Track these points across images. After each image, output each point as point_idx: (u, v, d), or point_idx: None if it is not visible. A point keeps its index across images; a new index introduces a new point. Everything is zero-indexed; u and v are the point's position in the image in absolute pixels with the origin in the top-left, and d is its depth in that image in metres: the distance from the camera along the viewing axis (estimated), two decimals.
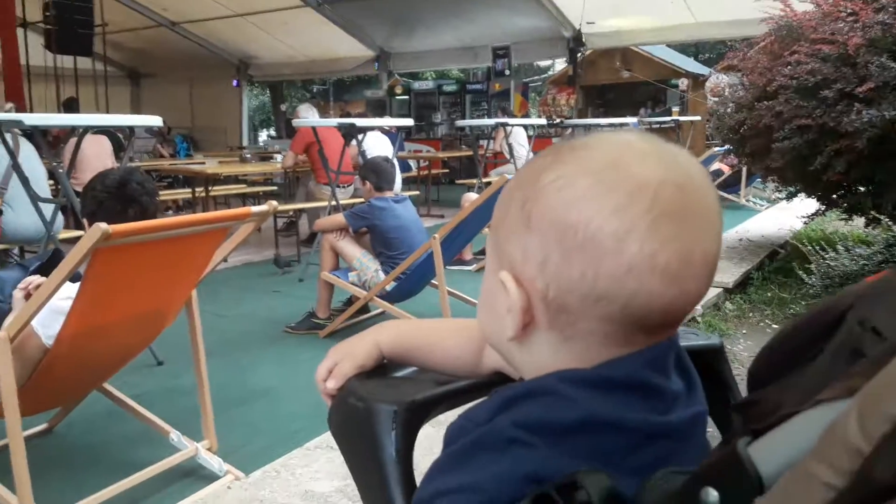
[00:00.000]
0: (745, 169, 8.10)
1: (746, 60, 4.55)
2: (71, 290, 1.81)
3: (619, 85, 14.72)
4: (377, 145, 5.83)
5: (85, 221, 2.04)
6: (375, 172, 3.73)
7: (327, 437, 2.19)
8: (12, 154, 3.43)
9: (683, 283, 0.51)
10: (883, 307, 0.47)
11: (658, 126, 9.56)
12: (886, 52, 3.51)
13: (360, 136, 5.13)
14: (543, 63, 20.45)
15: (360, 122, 5.17)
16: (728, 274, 4.54)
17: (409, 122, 6.05)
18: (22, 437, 1.74)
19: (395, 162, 4.88)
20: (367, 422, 0.69)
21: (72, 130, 3.63)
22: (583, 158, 0.53)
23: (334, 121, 5.32)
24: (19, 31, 8.86)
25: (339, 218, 3.74)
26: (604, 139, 0.55)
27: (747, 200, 8.76)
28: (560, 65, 14.73)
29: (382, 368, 0.77)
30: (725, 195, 8.73)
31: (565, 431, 0.51)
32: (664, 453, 0.52)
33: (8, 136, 3.46)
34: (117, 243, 1.68)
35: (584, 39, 10.31)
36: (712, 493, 0.42)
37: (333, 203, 5.06)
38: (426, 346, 0.78)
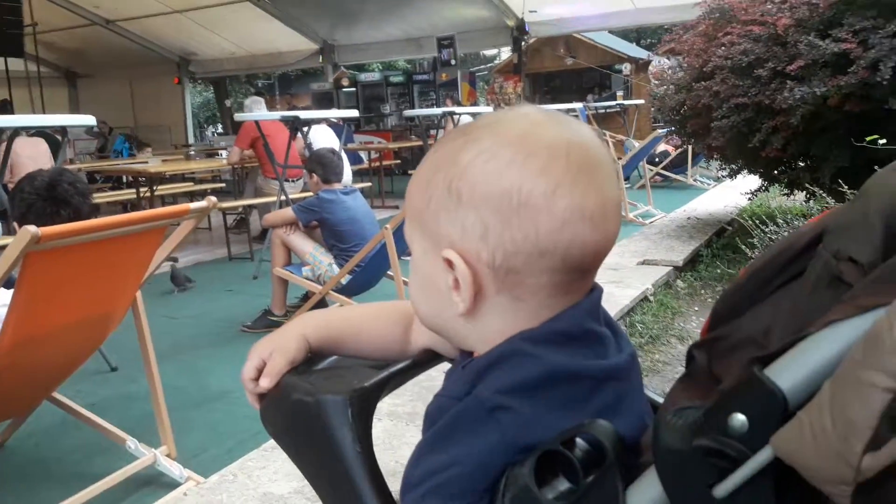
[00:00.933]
0: (690, 149, 8.30)
1: (683, 43, 4.66)
2: (5, 297, 1.75)
3: (564, 72, 14.92)
4: (324, 138, 5.77)
5: (15, 225, 1.98)
6: (321, 164, 3.70)
7: None
8: None
9: (605, 226, 0.57)
10: (852, 238, 0.51)
11: (604, 111, 9.70)
12: (814, 31, 3.64)
13: (305, 129, 5.07)
14: (489, 52, 20.52)
15: (303, 114, 5.11)
16: (677, 252, 4.65)
17: (354, 113, 6.00)
18: None
19: (343, 154, 4.84)
20: (318, 416, 0.67)
21: (1, 133, 3.52)
22: (497, 133, 0.57)
23: (277, 114, 5.27)
24: None
25: (288, 212, 3.70)
26: (505, 115, 0.61)
27: (694, 180, 8.97)
28: (506, 53, 14.80)
29: (308, 361, 0.74)
30: (672, 175, 8.93)
31: (536, 387, 0.55)
32: (617, 393, 0.57)
33: None
34: (49, 246, 1.63)
35: (527, 28, 10.38)
36: (738, 417, 0.43)
37: (283, 198, 5.01)
38: (354, 334, 0.77)
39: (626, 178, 7.92)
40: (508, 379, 0.55)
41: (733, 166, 5.05)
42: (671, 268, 4.32)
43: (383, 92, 13.70)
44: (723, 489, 0.44)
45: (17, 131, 3.68)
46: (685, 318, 3.65)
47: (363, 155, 9.73)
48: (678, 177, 8.91)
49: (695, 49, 4.39)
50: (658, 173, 8.76)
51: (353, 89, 13.73)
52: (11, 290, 1.74)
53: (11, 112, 8.00)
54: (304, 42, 11.76)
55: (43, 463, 2.32)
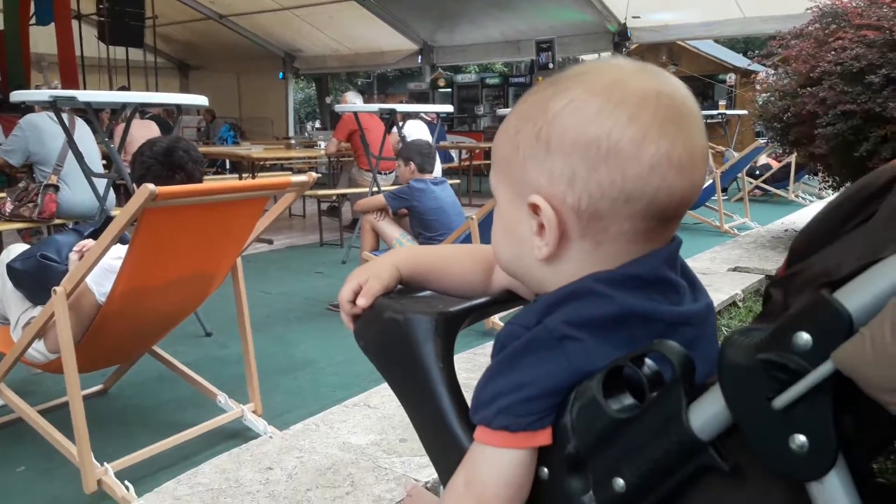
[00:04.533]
0: (793, 164, 7.96)
1: (791, 48, 4.49)
2: (121, 250, 1.91)
3: None
4: (417, 134, 5.88)
5: (134, 187, 2.15)
6: (420, 153, 3.81)
7: (364, 397, 2.27)
8: (68, 131, 3.58)
9: (692, 174, 0.58)
10: None
11: (706, 121, 9.41)
12: None
13: (400, 124, 5.21)
14: (588, 57, 20.30)
15: (400, 107, 5.26)
16: (771, 262, 4.52)
17: (449, 108, 6.13)
18: (80, 392, 1.85)
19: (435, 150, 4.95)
20: (407, 332, 0.73)
21: (121, 112, 3.78)
22: (587, 82, 0.60)
23: (375, 106, 5.44)
24: (74, 24, 9.22)
25: (380, 199, 3.83)
26: (596, 65, 0.63)
27: (796, 196, 8.59)
28: None
29: (399, 291, 0.81)
30: (774, 190, 8.56)
31: (606, 324, 0.57)
32: (688, 338, 0.58)
33: (64, 116, 3.63)
34: (163, 205, 1.76)
35: (629, 34, 10.21)
36: (803, 336, 0.45)
37: (375, 189, 5.15)
38: (440, 269, 0.82)
39: (724, 190, 7.67)
40: (578, 313, 0.58)
41: (837, 178, 4.83)
42: (763, 276, 4.20)
43: (478, 93, 13.81)
44: (782, 400, 0.46)
45: (135, 110, 3.96)
46: None
47: (454, 154, 9.85)
48: (779, 191, 8.56)
49: (802, 54, 4.23)
50: (758, 186, 8.44)
51: (449, 90, 13.90)
52: (125, 247, 1.90)
53: None
54: (405, 42, 12.01)
55: (141, 410, 2.50)
